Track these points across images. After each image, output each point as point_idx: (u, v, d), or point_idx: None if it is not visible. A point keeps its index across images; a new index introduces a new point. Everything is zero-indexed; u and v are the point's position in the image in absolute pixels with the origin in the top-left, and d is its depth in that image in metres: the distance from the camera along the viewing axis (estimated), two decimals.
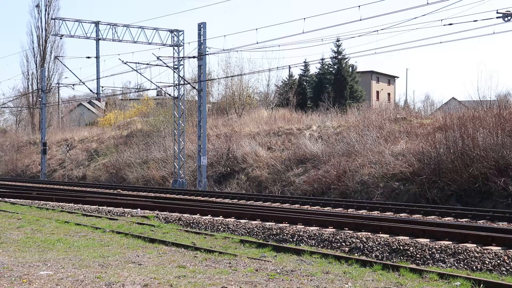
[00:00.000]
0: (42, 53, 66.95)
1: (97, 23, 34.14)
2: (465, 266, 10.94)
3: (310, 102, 54.48)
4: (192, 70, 48.02)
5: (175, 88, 35.39)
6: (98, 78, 34.50)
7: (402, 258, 11.82)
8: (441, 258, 11.41)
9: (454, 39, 25.19)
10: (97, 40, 34.13)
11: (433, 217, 17.98)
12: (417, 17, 27.46)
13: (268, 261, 11.25)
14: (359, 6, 20.75)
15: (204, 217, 17.78)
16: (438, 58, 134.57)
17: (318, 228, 14.83)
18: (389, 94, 72.03)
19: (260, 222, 16.39)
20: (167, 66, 33.88)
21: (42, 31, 66.59)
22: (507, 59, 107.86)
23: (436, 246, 11.87)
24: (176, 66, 34.66)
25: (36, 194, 26.63)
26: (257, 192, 30.02)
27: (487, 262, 10.88)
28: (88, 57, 34.82)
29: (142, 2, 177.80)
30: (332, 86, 52.87)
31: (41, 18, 66.61)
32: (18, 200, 24.74)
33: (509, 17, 18.03)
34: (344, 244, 13.15)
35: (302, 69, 59.58)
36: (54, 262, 10.76)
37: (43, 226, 16.40)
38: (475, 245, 11.93)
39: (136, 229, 15.97)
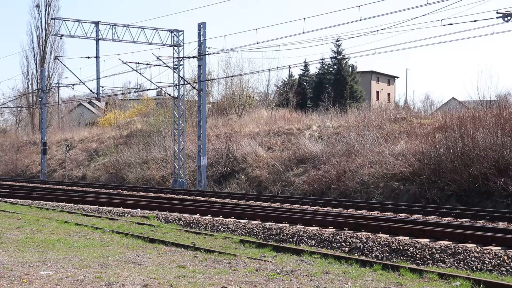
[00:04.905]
0: (42, 53, 66.97)
1: (97, 23, 34.14)
2: (465, 266, 10.94)
3: (310, 102, 54.50)
4: (192, 70, 48.07)
5: (175, 88, 35.39)
6: (98, 78, 34.51)
7: (402, 258, 11.82)
8: (441, 258, 11.41)
9: (454, 39, 25.23)
10: (97, 40, 34.12)
11: (433, 217, 17.97)
12: (417, 17, 27.44)
13: (268, 261, 11.25)
14: (359, 6, 20.76)
15: (204, 217, 17.78)
16: (438, 58, 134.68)
17: (318, 228, 14.83)
18: (389, 94, 72.05)
19: (260, 222, 16.39)
20: (167, 66, 33.88)
21: (42, 31, 66.67)
22: (507, 59, 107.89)
23: (436, 246, 11.87)
24: (176, 66, 34.66)
25: (36, 194, 26.63)
26: (257, 192, 30.02)
27: (487, 262, 10.88)
28: (88, 57, 34.82)
29: (142, 2, 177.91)
30: (332, 86, 52.89)
31: (41, 18, 66.69)
32: (18, 200, 24.73)
33: (509, 17, 18.02)
34: (344, 244, 13.15)
35: (302, 69, 59.69)
36: (54, 262, 10.76)
37: (43, 226, 16.40)
38: (475, 245, 11.92)
39: (136, 229, 15.97)
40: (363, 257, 11.97)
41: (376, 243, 12.70)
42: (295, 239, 14.06)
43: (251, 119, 40.98)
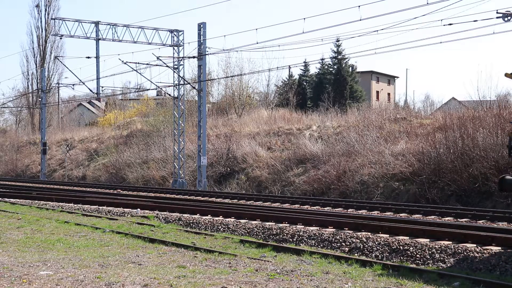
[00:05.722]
0: (42, 53, 66.94)
1: (97, 23, 34.13)
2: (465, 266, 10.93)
3: (310, 102, 54.52)
4: (192, 70, 48.09)
5: (175, 88, 35.38)
6: (98, 78, 34.50)
7: (402, 258, 11.82)
8: (441, 258, 11.41)
9: (454, 39, 25.28)
10: (97, 40, 34.12)
11: (433, 217, 17.97)
12: (417, 17, 27.47)
13: (268, 261, 11.25)
14: (359, 6, 20.77)
15: (204, 217, 17.78)
16: (438, 58, 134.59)
17: (318, 228, 14.82)
18: (389, 94, 72.07)
19: (260, 222, 16.39)
20: (167, 66, 33.87)
21: (42, 31, 66.63)
22: (507, 59, 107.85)
23: (436, 246, 11.87)
24: (176, 66, 34.65)
25: (36, 194, 26.62)
26: (257, 192, 30.01)
27: (487, 262, 10.87)
28: (88, 57, 34.83)
29: (142, 2, 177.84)
30: (332, 86, 52.92)
31: (41, 18, 66.66)
32: (18, 200, 24.74)
33: (509, 17, 18.00)
34: (344, 244, 13.15)
35: (302, 69, 59.70)
36: (54, 262, 10.76)
37: (43, 226, 16.40)
38: (475, 245, 11.93)
39: (136, 229, 15.97)
40: (363, 257, 11.97)
41: (376, 243, 12.69)
42: (295, 239, 14.06)
43: (251, 119, 40.99)
